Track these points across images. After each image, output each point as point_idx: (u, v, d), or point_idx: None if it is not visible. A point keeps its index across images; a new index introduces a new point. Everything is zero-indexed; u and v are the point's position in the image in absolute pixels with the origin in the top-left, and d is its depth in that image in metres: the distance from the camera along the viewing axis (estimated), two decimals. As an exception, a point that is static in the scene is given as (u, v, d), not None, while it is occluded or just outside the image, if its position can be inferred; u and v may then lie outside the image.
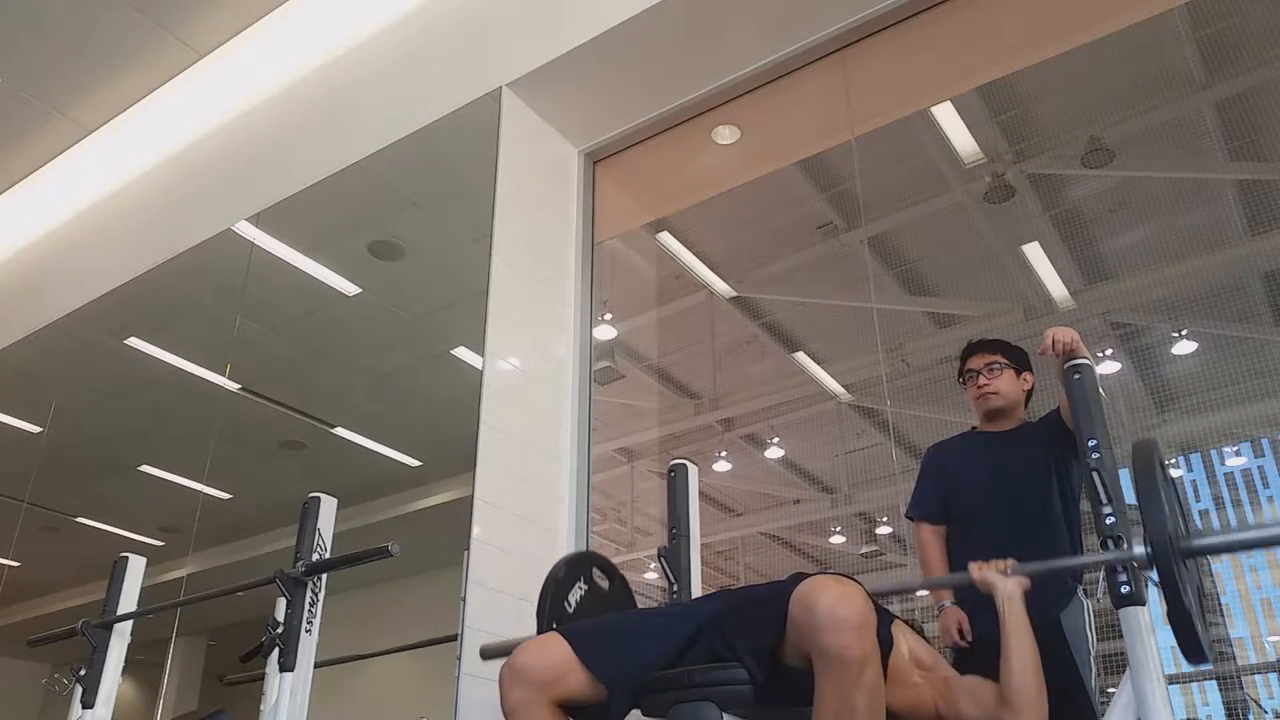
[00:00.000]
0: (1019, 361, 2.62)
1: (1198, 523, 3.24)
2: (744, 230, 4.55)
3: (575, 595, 2.27)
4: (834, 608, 1.52)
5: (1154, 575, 1.64)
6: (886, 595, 1.79)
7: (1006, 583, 1.87)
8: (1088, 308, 3.70)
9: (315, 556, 2.36)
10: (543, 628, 2.16)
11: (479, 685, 2.76)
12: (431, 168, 4.20)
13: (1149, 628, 1.67)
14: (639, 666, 1.71)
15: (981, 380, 2.59)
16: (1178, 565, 1.60)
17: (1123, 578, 1.70)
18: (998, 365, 2.59)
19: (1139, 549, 1.65)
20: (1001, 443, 2.58)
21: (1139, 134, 3.66)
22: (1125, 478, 1.78)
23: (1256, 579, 3.11)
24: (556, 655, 1.71)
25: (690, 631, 1.75)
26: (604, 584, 2.38)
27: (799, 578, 1.66)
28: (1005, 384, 2.59)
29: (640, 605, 2.51)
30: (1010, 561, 1.91)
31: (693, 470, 2.61)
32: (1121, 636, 1.69)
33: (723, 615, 1.76)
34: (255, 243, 4.54)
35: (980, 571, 1.92)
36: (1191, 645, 1.61)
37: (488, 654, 2.54)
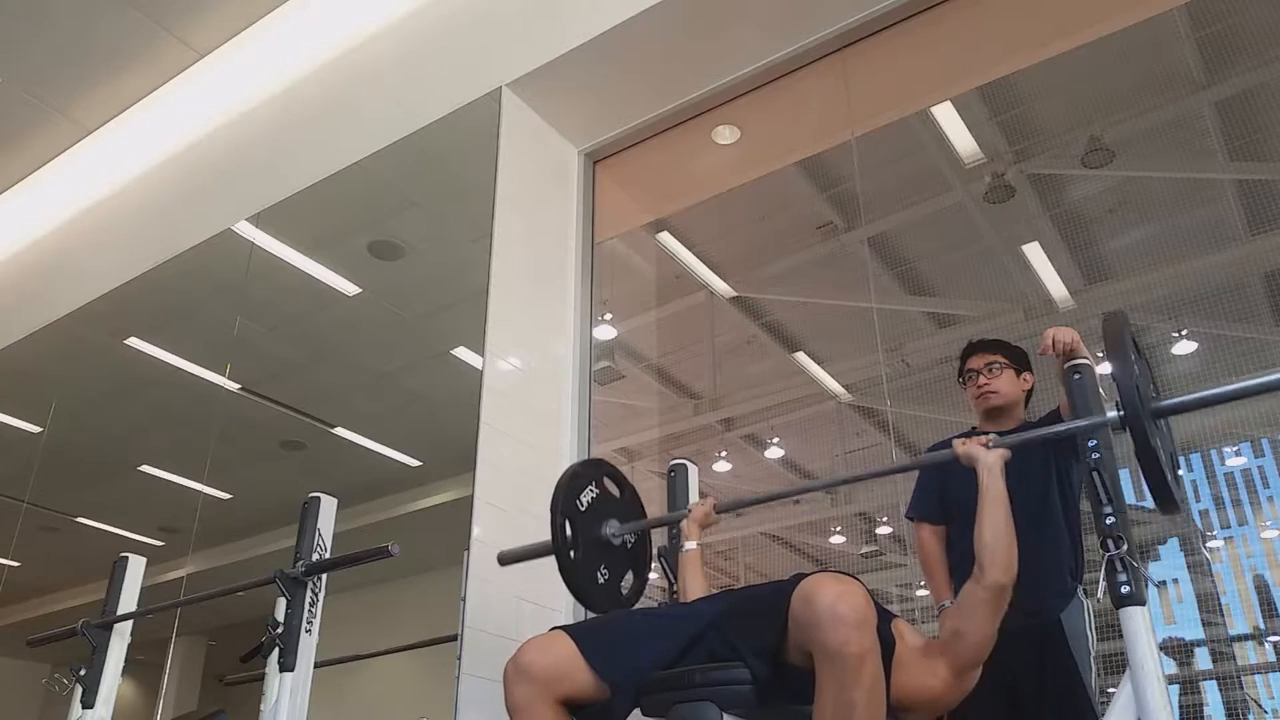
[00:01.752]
0: (1019, 361, 2.62)
1: (1198, 522, 3.24)
2: (744, 230, 4.55)
3: (587, 496, 2.34)
4: (835, 604, 1.53)
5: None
6: (886, 611, 1.81)
7: (988, 454, 1.94)
8: (1088, 308, 3.69)
9: (315, 556, 2.37)
10: (556, 521, 2.22)
11: (479, 685, 2.76)
12: (431, 168, 4.19)
13: (1149, 628, 1.67)
14: (643, 666, 1.72)
15: (981, 380, 2.59)
16: (1148, 423, 1.69)
17: (1123, 577, 1.70)
18: (997, 365, 2.59)
19: (1111, 413, 1.75)
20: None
21: (1139, 134, 3.66)
22: (1125, 477, 1.78)
23: (1257, 579, 3.11)
24: (561, 653, 1.72)
25: (693, 632, 1.75)
26: (615, 491, 2.44)
27: (800, 578, 1.67)
28: (1005, 384, 2.59)
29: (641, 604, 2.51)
30: (992, 436, 2.00)
31: (693, 470, 2.62)
32: (1121, 636, 1.69)
33: (725, 615, 1.76)
34: (255, 243, 4.54)
35: (964, 446, 1.98)
36: (1164, 496, 1.71)
37: (505, 559, 2.63)
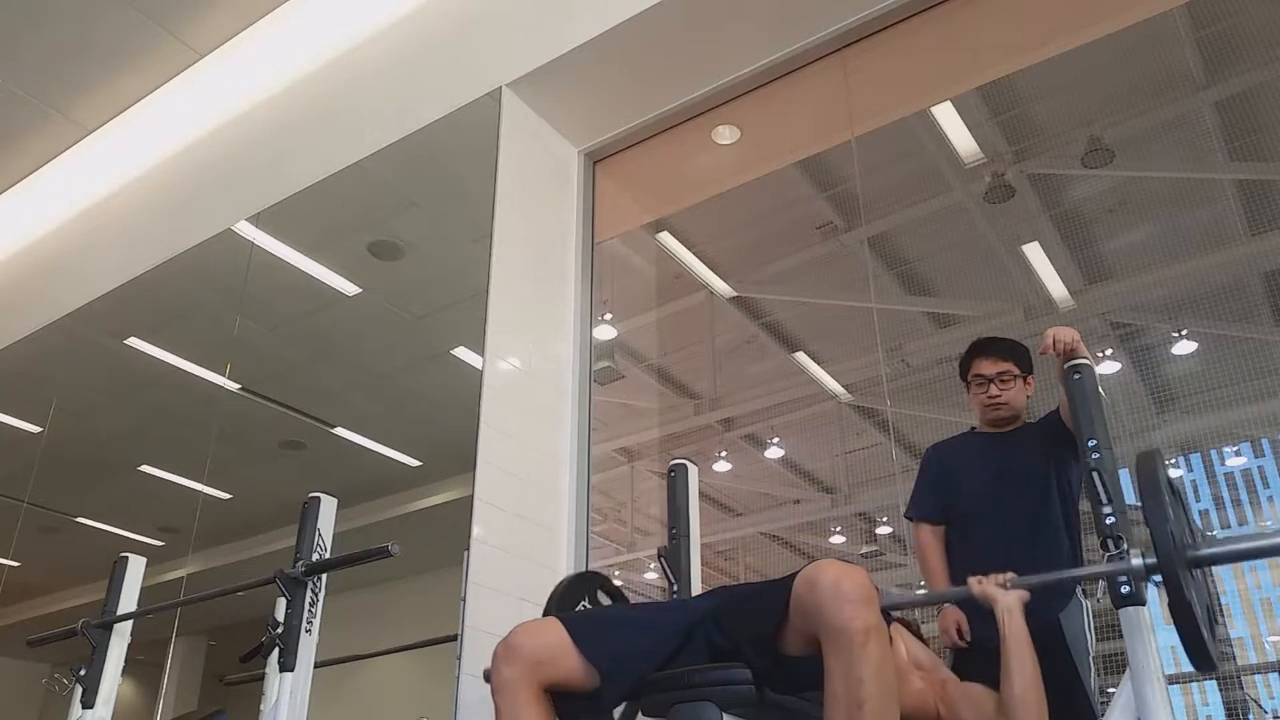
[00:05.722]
0: (1026, 368, 2.63)
1: (1198, 522, 3.23)
2: (744, 230, 4.55)
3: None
4: (838, 582, 1.51)
5: (1157, 579, 1.64)
6: (888, 610, 1.80)
7: (1007, 596, 1.87)
8: (1088, 308, 3.70)
9: (315, 556, 2.36)
10: None
11: (479, 685, 2.76)
12: (431, 168, 4.19)
13: (1149, 628, 1.67)
14: (633, 656, 1.71)
15: (993, 390, 2.59)
16: (1183, 574, 1.59)
17: (1123, 578, 1.70)
18: (1009, 376, 2.59)
19: (1136, 560, 1.65)
20: (1001, 443, 2.58)
21: (1139, 134, 3.66)
22: (1125, 477, 1.78)
23: (1256, 579, 3.11)
24: (551, 637, 1.70)
25: (687, 623, 1.74)
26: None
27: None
28: (1015, 395, 2.60)
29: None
30: (1010, 575, 1.91)
31: (693, 470, 2.61)
32: (1121, 636, 1.69)
33: (721, 609, 1.76)
34: (255, 243, 4.54)
35: (980, 585, 1.92)
36: (1200, 654, 1.59)
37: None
